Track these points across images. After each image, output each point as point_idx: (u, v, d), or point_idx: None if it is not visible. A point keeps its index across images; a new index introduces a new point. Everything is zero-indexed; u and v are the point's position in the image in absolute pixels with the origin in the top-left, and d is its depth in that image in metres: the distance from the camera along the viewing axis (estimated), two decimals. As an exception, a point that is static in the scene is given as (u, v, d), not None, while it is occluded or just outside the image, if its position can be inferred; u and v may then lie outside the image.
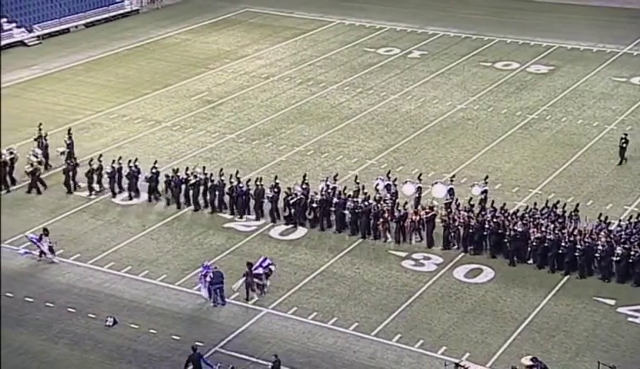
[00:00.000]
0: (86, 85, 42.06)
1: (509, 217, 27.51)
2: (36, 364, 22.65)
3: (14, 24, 48.42)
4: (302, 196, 29.08)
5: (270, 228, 29.13)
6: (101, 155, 32.07)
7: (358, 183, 29.90)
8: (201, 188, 30.31)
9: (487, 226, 27.14)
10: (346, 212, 28.60)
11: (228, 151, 35.07)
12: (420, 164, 33.88)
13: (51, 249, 27.29)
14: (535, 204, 28.79)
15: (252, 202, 29.71)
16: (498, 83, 42.24)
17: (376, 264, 27.30)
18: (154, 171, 30.99)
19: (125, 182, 31.27)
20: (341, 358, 22.94)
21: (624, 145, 33.36)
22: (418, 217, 27.97)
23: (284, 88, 41.73)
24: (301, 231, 28.98)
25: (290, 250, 28.02)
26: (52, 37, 49.00)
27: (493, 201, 28.73)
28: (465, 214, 27.64)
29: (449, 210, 28.10)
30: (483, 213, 27.86)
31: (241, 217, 29.63)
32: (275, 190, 29.56)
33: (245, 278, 25.13)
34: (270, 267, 25.54)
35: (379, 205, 28.30)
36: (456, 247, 27.69)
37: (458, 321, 24.47)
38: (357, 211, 28.43)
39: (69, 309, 24.76)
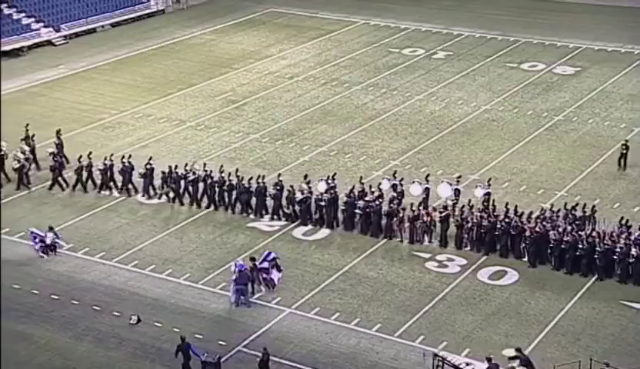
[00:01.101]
0: (112, 85, 42.40)
1: (525, 219, 27.27)
2: (61, 361, 22.85)
3: (41, 24, 48.95)
4: (309, 194, 29.13)
5: (293, 228, 29.16)
6: (90, 153, 32.13)
7: (362, 183, 29.82)
8: (201, 185, 30.48)
9: (498, 226, 27.04)
10: (357, 211, 28.59)
11: (251, 151, 35.15)
12: (444, 165, 33.74)
13: (53, 246, 27.57)
14: (552, 205, 28.55)
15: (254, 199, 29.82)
16: (524, 84, 41.93)
17: (399, 265, 27.21)
18: (148, 166, 31.17)
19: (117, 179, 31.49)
20: (364, 359, 22.88)
21: (624, 151, 32.82)
22: (430, 218, 27.89)
23: (308, 88, 41.76)
24: (324, 232, 28.97)
25: (313, 250, 28.01)
26: (79, 36, 49.47)
27: (507, 203, 28.53)
28: (478, 214, 27.58)
29: (462, 210, 28.01)
30: (495, 214, 27.68)
31: (241, 213, 29.74)
32: (278, 187, 29.66)
33: (250, 274, 25.22)
34: (276, 259, 25.52)
35: (392, 205, 28.30)
36: (468, 248, 27.53)
37: (482, 323, 24.31)
38: (368, 210, 28.40)
39: (94, 307, 24.95)
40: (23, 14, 48.81)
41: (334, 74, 43.43)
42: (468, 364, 21.31)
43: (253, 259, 25.56)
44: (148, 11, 53.19)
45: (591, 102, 39.73)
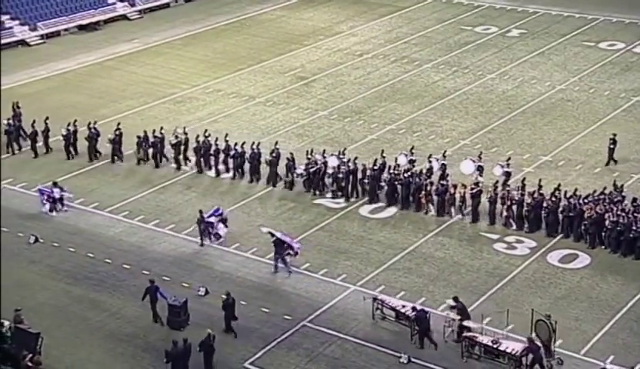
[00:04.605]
0: (184, 59, 42.96)
1: (582, 200, 26.82)
2: (131, 329, 23.43)
3: (117, -1, 49.97)
4: (322, 165, 29.48)
5: (359, 206, 29.10)
6: (47, 118, 32.67)
7: (384, 157, 29.78)
8: (182, 148, 31.38)
9: (545, 205, 26.76)
10: (382, 184, 28.82)
11: (319, 128, 35.15)
12: (515, 145, 33.10)
13: (61, 200, 28.74)
14: (605, 187, 27.76)
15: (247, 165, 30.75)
16: (602, 63, 40.67)
17: (467, 245, 26.89)
18: (117, 132, 31.94)
19: (81, 146, 32.32)
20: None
21: (611, 146, 31.10)
22: (458, 192, 27.82)
23: (377, 65, 41.44)
24: (390, 210, 28.83)
25: (379, 228, 27.92)
26: (153, 11, 50.25)
27: (559, 184, 27.93)
28: (515, 192, 27.37)
29: (495, 186, 27.86)
30: (541, 192, 27.29)
31: (234, 178, 30.67)
32: (274, 155, 30.10)
33: (198, 225, 26.64)
34: (222, 215, 26.65)
35: (420, 178, 28.44)
36: (504, 223, 27.36)
37: (550, 307, 23.82)
38: (395, 182, 28.64)
39: (164, 277, 25.44)
40: (100, -11, 49.90)
41: (404, 51, 42.96)
42: (403, 307, 22.92)
43: (201, 212, 26.49)
44: (220, -13, 53.49)
45: (672, 83, 38.30)
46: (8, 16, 46.38)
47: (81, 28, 47.44)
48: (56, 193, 28.84)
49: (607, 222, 26.02)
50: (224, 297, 22.88)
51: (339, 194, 29.41)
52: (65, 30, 47.09)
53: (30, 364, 20.98)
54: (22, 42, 45.42)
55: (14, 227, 28.03)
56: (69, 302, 24.45)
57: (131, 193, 30.37)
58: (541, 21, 46.56)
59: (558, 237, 26.85)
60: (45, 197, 28.92)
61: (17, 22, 46.24)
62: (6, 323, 21.92)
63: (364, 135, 34.39)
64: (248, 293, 24.73)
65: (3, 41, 44.39)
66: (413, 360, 21.77)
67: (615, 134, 31.65)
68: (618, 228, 25.79)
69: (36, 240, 27.33)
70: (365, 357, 22.08)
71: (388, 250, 26.74)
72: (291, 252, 25.50)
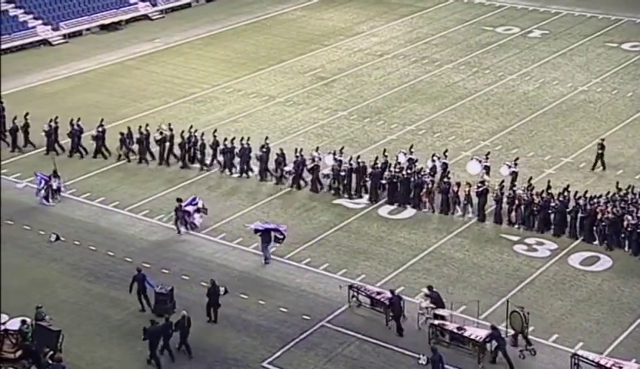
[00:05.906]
0: (204, 59, 43.11)
1: (593, 200, 26.67)
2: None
3: (139, -1, 50.26)
4: (319, 162, 29.70)
5: (379, 207, 29.05)
6: (27, 113, 33.08)
7: (386, 156, 29.90)
8: (167, 144, 31.73)
9: (552, 204, 26.69)
10: (383, 181, 29.02)
11: (339, 128, 35.14)
12: (536, 146, 32.88)
13: (58, 189, 29.16)
14: (620, 189, 27.56)
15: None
16: (625, 64, 40.30)
17: (487, 247, 26.75)
18: (100, 129, 32.20)
19: (63, 142, 32.67)
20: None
21: (600, 151, 30.59)
22: (461, 191, 27.83)
23: (398, 65, 41.35)
24: (409, 211, 28.75)
25: (398, 229, 27.85)
26: (174, 11, 50.49)
27: (569, 185, 27.73)
28: (522, 192, 27.24)
29: (501, 185, 27.80)
30: (549, 192, 27.18)
31: (222, 172, 31.11)
32: (264, 150, 30.42)
33: (175, 213, 27.38)
34: (199, 204, 27.45)
35: (420, 176, 28.58)
36: (511, 223, 27.32)
37: (571, 309, 23.66)
38: (394, 180, 28.82)
39: (183, 276, 25.55)
40: (121, -11, 50.21)
41: (424, 52, 42.83)
42: (379, 294, 23.40)
43: (179, 200, 27.24)
44: (241, -13, 53.60)
45: (696, 84, 37.89)
46: (31, 15, 46.85)
47: (103, 27, 47.77)
48: (54, 182, 29.12)
49: (625, 223, 25.75)
50: (209, 285, 23.41)
51: (340, 190, 29.50)
52: (87, 30, 47.44)
53: (51, 361, 21.15)
54: (45, 42, 45.85)
55: (35, 225, 28.29)
56: (90, 300, 24.62)
57: (151, 192, 30.51)
58: (563, 21, 46.22)
59: (577, 241, 26.62)
60: (43, 183, 29.09)
61: (40, 22, 46.68)
62: (28, 320, 22.14)
63: (383, 135, 34.32)
64: (267, 292, 24.76)
65: (26, 41, 45.08)
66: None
67: (603, 139, 31.37)
68: (639, 231, 25.53)
69: (57, 238, 27.56)
70: (383, 358, 22.03)
71: (407, 250, 26.67)
72: (279, 236, 25.80)
